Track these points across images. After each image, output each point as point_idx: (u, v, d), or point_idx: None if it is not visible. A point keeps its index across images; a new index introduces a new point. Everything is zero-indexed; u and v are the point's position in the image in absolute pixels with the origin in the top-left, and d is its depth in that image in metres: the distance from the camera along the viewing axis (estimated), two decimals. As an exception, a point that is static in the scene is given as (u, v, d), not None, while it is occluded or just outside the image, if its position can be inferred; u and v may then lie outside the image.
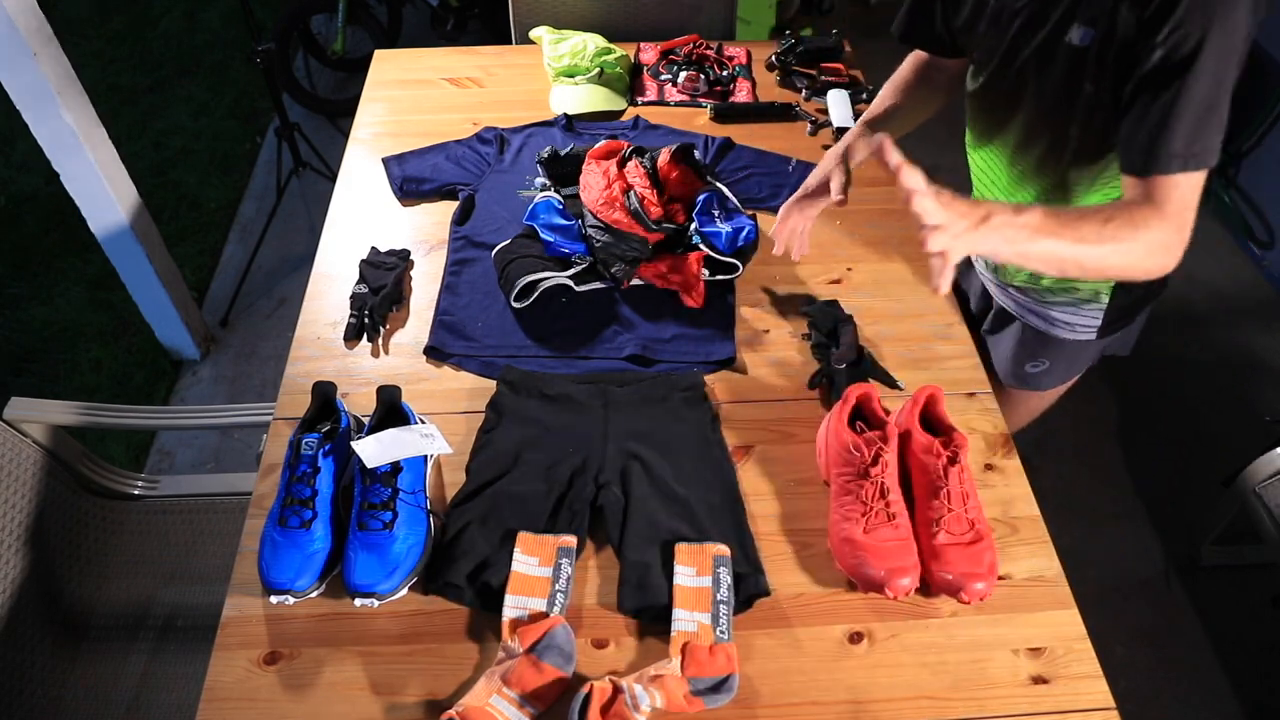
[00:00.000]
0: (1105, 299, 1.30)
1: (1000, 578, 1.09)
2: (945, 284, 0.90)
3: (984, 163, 1.31)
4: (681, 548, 1.08)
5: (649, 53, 1.94)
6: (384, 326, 1.38)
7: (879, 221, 1.56)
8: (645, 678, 0.97)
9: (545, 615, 1.02)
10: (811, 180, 1.32)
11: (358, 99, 1.83)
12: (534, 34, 1.94)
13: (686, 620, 1.02)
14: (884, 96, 1.36)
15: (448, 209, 1.58)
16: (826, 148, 1.71)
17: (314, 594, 1.06)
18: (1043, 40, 1.07)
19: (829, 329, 1.35)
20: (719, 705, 0.97)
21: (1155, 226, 0.97)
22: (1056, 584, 1.10)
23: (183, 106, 3.40)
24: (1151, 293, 1.32)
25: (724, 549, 1.08)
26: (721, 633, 1.01)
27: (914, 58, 1.35)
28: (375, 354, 1.35)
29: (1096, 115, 1.07)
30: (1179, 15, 0.92)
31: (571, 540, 1.08)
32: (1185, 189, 0.97)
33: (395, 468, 1.09)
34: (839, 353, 1.30)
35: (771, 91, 1.88)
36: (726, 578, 1.06)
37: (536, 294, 1.40)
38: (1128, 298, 1.30)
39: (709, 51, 1.90)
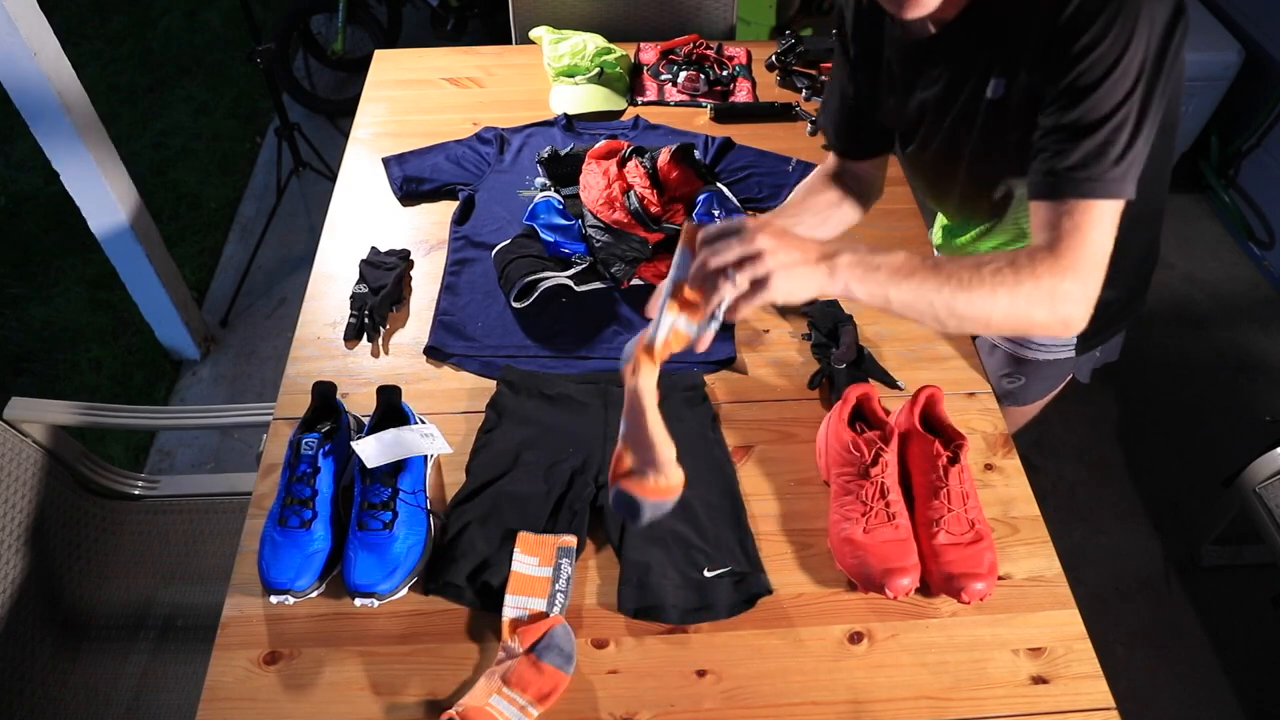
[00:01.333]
0: None
1: (1000, 578, 1.09)
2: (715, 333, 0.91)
3: (943, 215, 1.31)
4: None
5: (649, 53, 1.94)
6: (384, 326, 1.38)
7: (878, 222, 1.55)
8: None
9: (545, 615, 1.02)
10: None
11: (358, 99, 1.83)
12: (534, 34, 1.94)
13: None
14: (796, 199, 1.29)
15: (448, 209, 1.58)
16: (827, 148, 1.71)
17: (314, 594, 1.06)
18: (964, 101, 1.04)
19: (829, 329, 1.35)
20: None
21: (1050, 270, 0.88)
22: (1056, 584, 1.10)
23: (183, 106, 3.40)
24: (1131, 308, 1.27)
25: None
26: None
27: (821, 171, 1.31)
28: (375, 354, 1.35)
29: (1027, 160, 1.01)
30: (1084, 41, 0.86)
31: (571, 540, 1.08)
32: (1087, 222, 0.89)
33: (395, 468, 1.09)
34: (839, 353, 1.30)
35: (771, 91, 1.87)
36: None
37: (536, 294, 1.40)
38: (1105, 312, 1.26)
39: (709, 51, 1.90)
